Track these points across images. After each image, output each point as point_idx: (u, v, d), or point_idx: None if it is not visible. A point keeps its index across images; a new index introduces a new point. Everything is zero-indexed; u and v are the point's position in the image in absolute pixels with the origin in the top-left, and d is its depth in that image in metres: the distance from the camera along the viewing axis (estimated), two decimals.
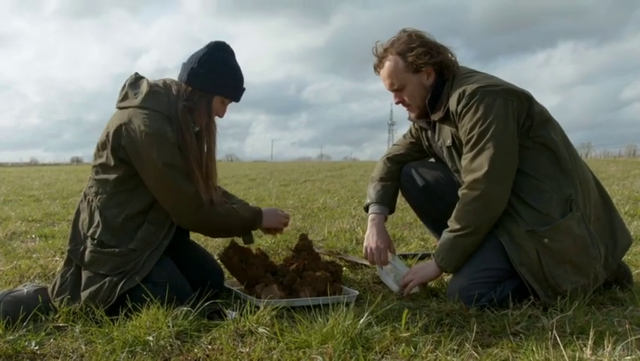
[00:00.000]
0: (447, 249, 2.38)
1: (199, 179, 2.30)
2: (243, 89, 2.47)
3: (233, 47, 2.40)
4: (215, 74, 2.35)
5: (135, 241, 2.26)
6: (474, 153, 2.30)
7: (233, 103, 2.47)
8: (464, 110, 2.32)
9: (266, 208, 2.63)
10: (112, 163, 2.28)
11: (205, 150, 2.38)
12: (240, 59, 2.42)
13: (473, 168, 2.31)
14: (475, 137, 2.29)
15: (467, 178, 2.33)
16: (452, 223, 2.37)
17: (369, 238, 2.74)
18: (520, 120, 2.30)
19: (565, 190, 2.29)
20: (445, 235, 2.39)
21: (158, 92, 2.33)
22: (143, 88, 2.34)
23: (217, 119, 2.44)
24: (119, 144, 2.25)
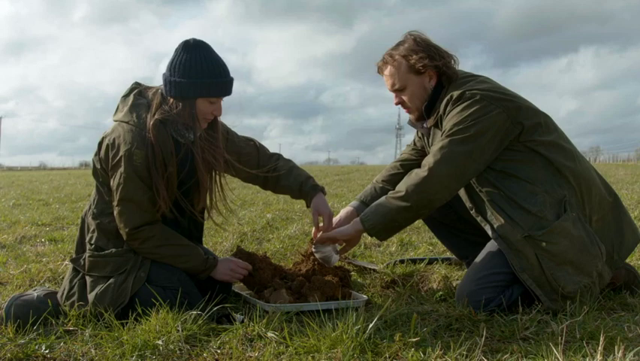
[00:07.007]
0: (374, 206, 2.42)
1: (163, 198, 2.27)
2: (227, 81, 2.32)
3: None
4: (187, 77, 2.25)
5: None
6: (442, 142, 2.31)
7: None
8: (448, 111, 2.36)
9: (225, 259, 2.49)
10: (101, 173, 2.34)
11: (201, 161, 2.35)
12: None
13: (434, 153, 2.32)
14: (447, 130, 2.32)
15: (425, 160, 2.36)
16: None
17: None
18: (504, 126, 2.29)
19: (558, 191, 2.28)
20: (381, 198, 2.44)
21: (140, 105, 2.34)
22: (129, 100, 2.37)
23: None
24: (99, 155, 2.33)
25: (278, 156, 2.77)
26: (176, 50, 2.30)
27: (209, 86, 2.28)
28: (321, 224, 2.68)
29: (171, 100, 2.31)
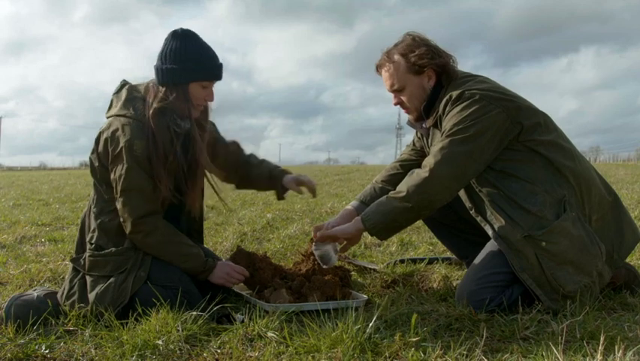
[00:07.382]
0: (375, 205, 2.41)
1: (165, 185, 2.29)
2: (217, 66, 2.38)
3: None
4: (179, 63, 2.29)
5: (129, 240, 2.31)
6: (442, 143, 2.31)
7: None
8: (447, 111, 2.36)
9: (223, 263, 2.48)
10: (99, 170, 2.34)
11: (196, 147, 2.38)
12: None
13: (434, 153, 2.32)
14: (447, 130, 2.31)
15: (425, 160, 2.36)
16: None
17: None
18: (504, 126, 2.28)
19: (558, 191, 2.28)
20: (382, 197, 2.43)
21: (136, 98, 2.36)
22: (122, 95, 2.38)
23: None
24: (97, 151, 2.33)
25: (251, 154, 2.86)
26: (166, 40, 2.35)
27: (200, 71, 2.34)
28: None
29: (164, 89, 2.33)
